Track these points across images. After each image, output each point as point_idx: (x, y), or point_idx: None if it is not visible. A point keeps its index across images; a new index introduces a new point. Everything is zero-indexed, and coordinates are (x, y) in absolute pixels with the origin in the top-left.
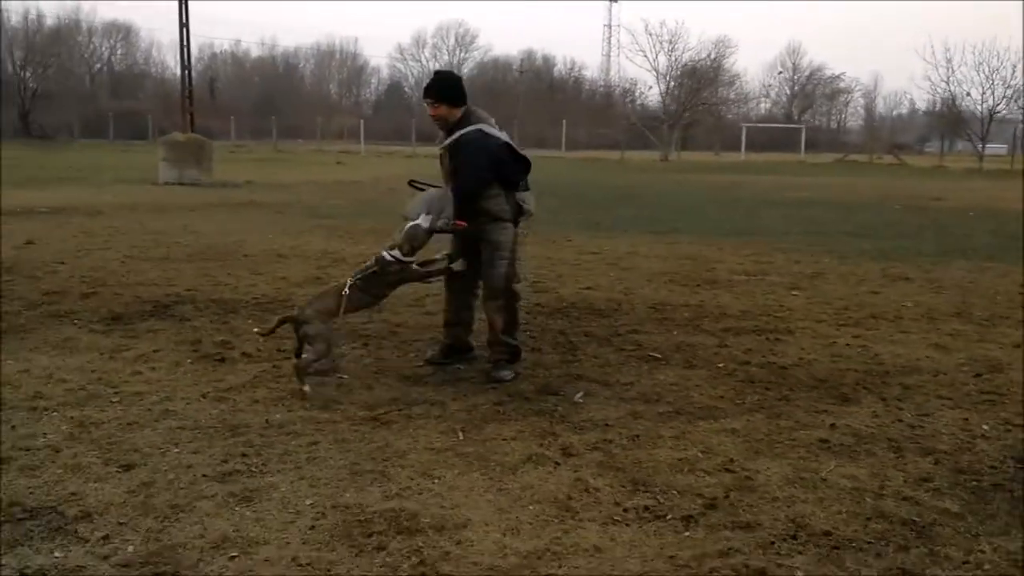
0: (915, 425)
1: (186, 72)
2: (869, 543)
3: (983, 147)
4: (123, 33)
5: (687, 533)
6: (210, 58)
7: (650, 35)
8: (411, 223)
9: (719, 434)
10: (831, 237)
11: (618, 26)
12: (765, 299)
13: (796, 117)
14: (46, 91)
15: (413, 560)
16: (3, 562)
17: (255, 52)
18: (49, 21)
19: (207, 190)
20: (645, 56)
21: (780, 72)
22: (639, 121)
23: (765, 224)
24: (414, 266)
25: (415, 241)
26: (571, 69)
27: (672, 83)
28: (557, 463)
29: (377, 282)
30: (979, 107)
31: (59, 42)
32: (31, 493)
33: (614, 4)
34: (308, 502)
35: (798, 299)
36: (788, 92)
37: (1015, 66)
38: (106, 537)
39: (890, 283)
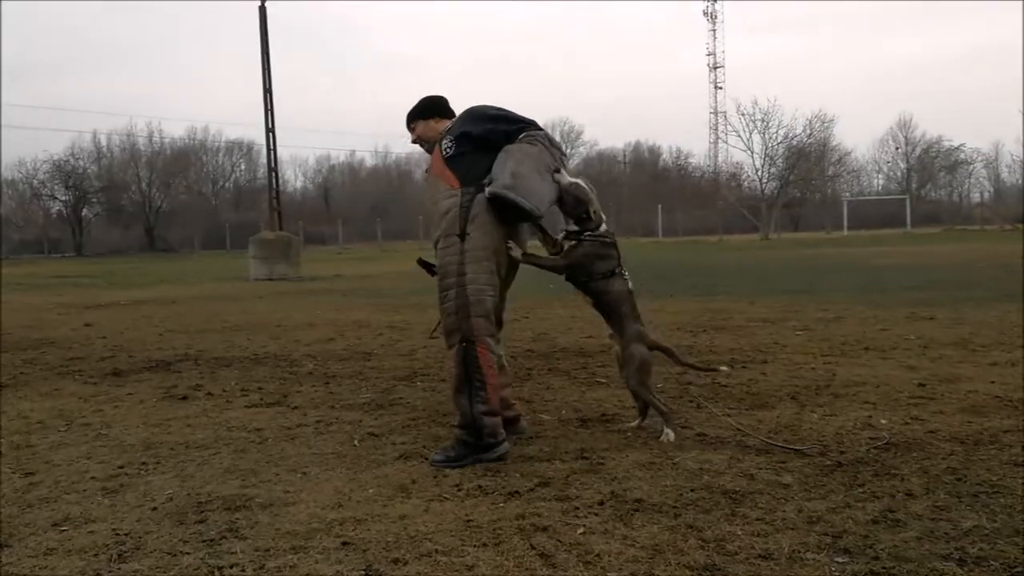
0: (788, 425)
1: (273, 174)
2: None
3: None
4: (245, 150)
5: (502, 505)
6: (328, 169)
7: (742, 115)
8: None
9: (606, 435)
10: (884, 293)
11: (724, 112)
12: (764, 339)
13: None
14: (172, 208)
15: (223, 527)
16: None
17: (370, 161)
18: (177, 143)
19: (292, 283)
20: (739, 136)
21: (897, 148)
22: (737, 202)
23: (821, 284)
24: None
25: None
26: (676, 157)
27: (767, 163)
28: (424, 458)
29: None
30: None
31: (184, 161)
32: None
33: (719, 91)
34: (168, 492)
35: (799, 338)
36: (903, 166)
37: None
38: None
39: (910, 323)
